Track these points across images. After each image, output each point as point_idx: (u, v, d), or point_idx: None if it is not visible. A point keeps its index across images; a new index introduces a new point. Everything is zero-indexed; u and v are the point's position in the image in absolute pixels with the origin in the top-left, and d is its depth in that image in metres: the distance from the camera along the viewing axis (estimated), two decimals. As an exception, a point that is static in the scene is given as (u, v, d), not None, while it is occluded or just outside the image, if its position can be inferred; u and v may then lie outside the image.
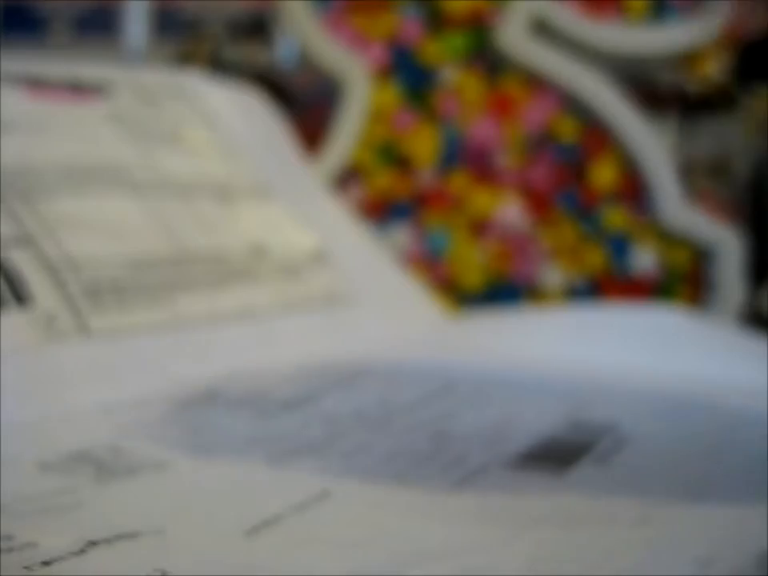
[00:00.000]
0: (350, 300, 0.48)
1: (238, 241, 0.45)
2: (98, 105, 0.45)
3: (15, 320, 0.33)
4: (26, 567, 0.19)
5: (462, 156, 0.69)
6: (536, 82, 0.68)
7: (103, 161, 0.42)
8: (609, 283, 0.68)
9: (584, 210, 0.68)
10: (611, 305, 0.64)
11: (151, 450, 0.28)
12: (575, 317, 0.54)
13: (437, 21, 0.69)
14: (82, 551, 0.20)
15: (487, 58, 0.69)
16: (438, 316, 0.55)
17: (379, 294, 0.50)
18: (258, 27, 0.72)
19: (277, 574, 0.20)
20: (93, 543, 0.21)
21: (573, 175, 0.68)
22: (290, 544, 0.21)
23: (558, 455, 0.29)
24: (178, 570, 0.20)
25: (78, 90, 0.45)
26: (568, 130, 0.68)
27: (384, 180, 0.69)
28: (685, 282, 0.68)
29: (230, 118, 0.52)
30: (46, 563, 0.20)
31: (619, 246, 0.68)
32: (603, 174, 0.68)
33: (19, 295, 0.34)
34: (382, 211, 0.68)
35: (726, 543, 0.21)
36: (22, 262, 0.35)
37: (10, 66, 0.43)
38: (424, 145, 0.69)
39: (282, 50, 0.72)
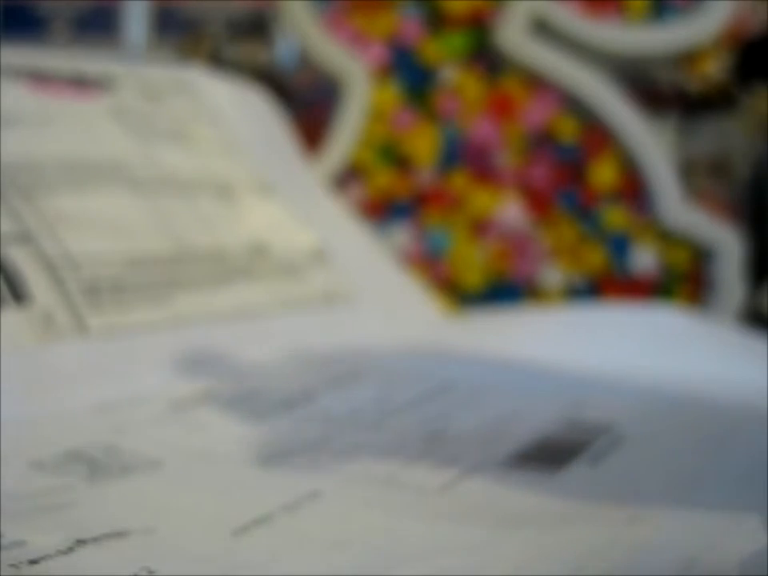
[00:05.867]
0: (349, 299, 0.48)
1: (239, 239, 0.44)
2: (101, 100, 0.45)
3: (13, 318, 0.33)
4: (12, 566, 0.19)
5: (462, 156, 0.69)
6: (536, 82, 0.68)
7: (104, 157, 0.42)
8: (609, 283, 0.68)
9: (584, 210, 0.68)
10: (611, 305, 0.64)
11: (145, 449, 0.28)
12: (574, 317, 0.54)
13: (437, 20, 0.69)
14: (70, 550, 0.20)
15: (487, 58, 0.69)
16: (437, 315, 0.55)
17: (378, 293, 0.50)
18: (257, 27, 0.72)
19: (263, 572, 0.20)
20: (81, 542, 0.21)
21: (573, 175, 0.68)
22: (278, 543, 0.21)
23: (553, 455, 0.29)
24: (165, 569, 0.20)
25: (81, 84, 0.45)
26: (568, 130, 0.68)
27: (384, 180, 0.69)
28: (685, 281, 0.68)
29: (232, 114, 0.52)
30: (33, 562, 0.20)
31: (619, 245, 0.68)
32: (603, 174, 0.68)
33: (17, 293, 0.34)
34: (382, 211, 0.68)
35: (711, 545, 0.21)
36: (21, 260, 0.35)
37: (13, 60, 0.43)
38: (424, 144, 0.69)
39: (282, 50, 0.72)
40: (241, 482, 0.26)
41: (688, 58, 0.68)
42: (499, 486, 0.26)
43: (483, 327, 0.53)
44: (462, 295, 0.68)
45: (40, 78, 0.43)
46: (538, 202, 0.68)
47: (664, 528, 0.22)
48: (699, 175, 0.68)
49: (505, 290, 0.68)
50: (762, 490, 0.24)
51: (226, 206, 0.46)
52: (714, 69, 0.67)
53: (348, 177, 0.68)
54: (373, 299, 0.49)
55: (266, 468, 0.27)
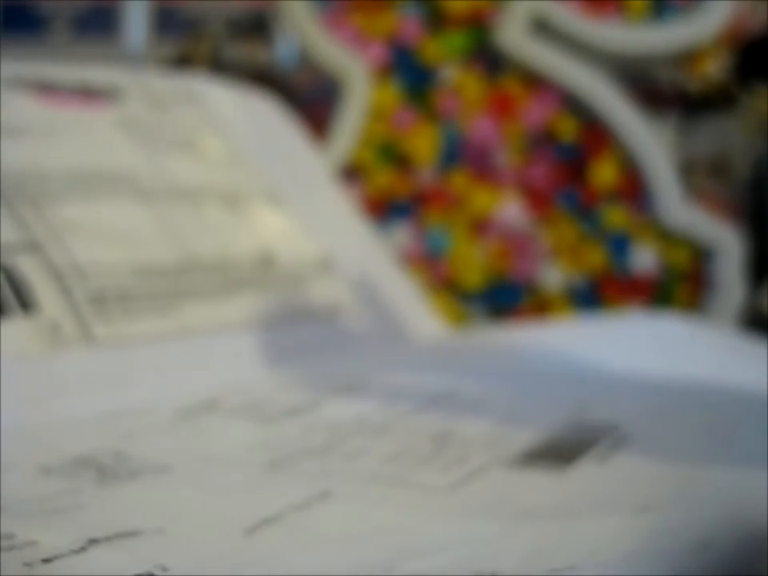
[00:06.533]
0: (353, 310, 0.48)
1: (245, 249, 0.44)
2: (108, 110, 0.45)
3: (20, 327, 0.33)
4: (26, 565, 0.19)
5: (462, 155, 0.69)
6: (536, 81, 0.68)
7: (111, 167, 0.42)
8: (609, 283, 0.68)
9: (584, 209, 0.68)
10: (611, 314, 0.63)
11: (153, 455, 0.28)
12: (575, 327, 0.54)
13: (437, 20, 0.69)
14: (82, 549, 0.20)
15: (487, 58, 0.69)
16: (441, 326, 0.55)
17: (382, 304, 0.50)
18: (257, 27, 0.72)
19: (275, 569, 0.20)
20: (94, 541, 0.21)
21: (573, 174, 0.68)
22: (290, 541, 0.21)
23: (560, 454, 0.29)
24: (179, 567, 0.20)
25: (87, 94, 0.44)
26: (568, 129, 0.68)
27: (384, 179, 0.69)
28: (685, 281, 0.68)
29: (239, 122, 0.52)
30: (46, 560, 0.20)
31: (619, 245, 0.68)
32: (603, 173, 0.68)
33: (24, 302, 0.34)
34: (382, 210, 0.68)
35: (722, 530, 0.21)
36: (29, 268, 0.35)
37: (20, 69, 0.43)
38: (424, 143, 0.69)
39: (282, 50, 0.72)
40: (250, 484, 0.26)
41: (688, 57, 0.68)
42: (509, 483, 0.26)
43: (486, 339, 0.53)
44: (462, 295, 0.68)
45: (46, 88, 0.43)
46: (538, 201, 0.68)
47: (675, 515, 0.22)
48: (699, 175, 0.69)
49: (505, 289, 0.68)
50: (762, 485, 0.25)
51: (233, 216, 0.46)
52: (714, 69, 0.68)
53: (348, 176, 0.68)
54: (376, 309, 0.49)
55: (275, 471, 0.27)
